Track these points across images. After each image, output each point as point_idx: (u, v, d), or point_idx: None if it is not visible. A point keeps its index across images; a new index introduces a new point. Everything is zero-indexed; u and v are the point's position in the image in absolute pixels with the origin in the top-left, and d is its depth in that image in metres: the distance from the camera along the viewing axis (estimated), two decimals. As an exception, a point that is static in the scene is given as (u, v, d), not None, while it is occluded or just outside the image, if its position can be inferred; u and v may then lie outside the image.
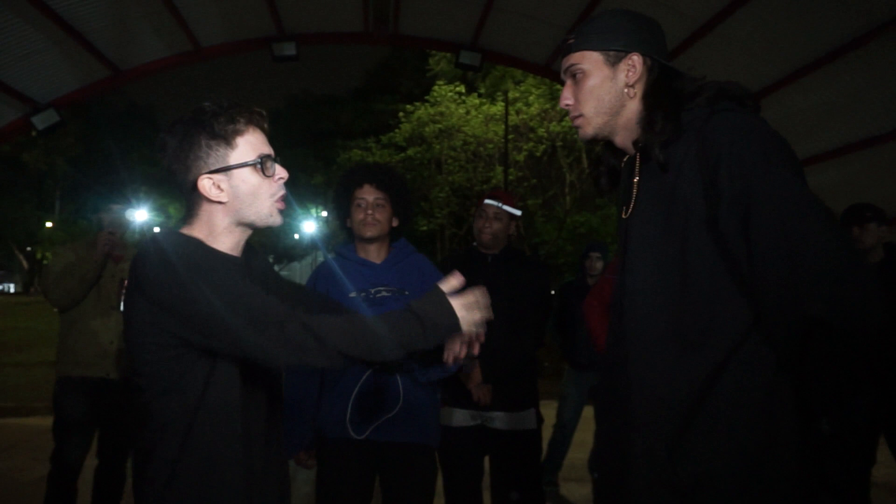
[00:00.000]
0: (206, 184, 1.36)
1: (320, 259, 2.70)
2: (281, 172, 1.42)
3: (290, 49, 5.11)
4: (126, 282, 3.23)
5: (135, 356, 1.34)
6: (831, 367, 1.21)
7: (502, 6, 4.76)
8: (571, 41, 1.43)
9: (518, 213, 3.03)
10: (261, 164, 1.39)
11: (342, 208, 2.55)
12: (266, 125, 1.44)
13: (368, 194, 2.45)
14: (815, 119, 4.58)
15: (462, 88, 17.29)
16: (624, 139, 1.44)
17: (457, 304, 1.36)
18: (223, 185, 1.37)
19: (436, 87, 17.26)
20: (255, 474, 1.38)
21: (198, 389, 1.32)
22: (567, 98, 1.45)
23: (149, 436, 1.33)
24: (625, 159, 1.49)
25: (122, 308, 3.20)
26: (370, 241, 2.47)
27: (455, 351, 1.50)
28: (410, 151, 18.01)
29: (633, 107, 1.40)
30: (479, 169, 17.59)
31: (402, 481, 2.38)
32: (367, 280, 2.44)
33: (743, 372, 1.24)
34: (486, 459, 3.00)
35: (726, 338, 1.25)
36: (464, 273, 2.95)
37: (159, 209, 29.10)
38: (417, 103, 17.68)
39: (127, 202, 3.63)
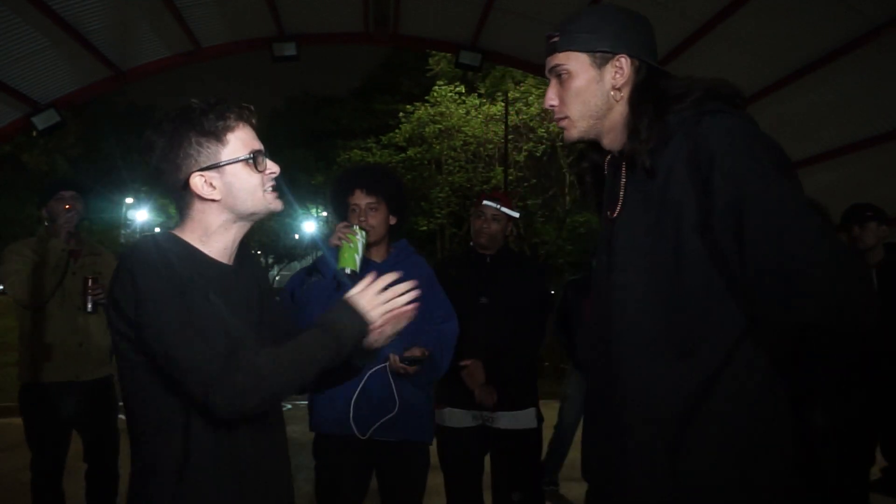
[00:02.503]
0: (197, 181, 1.33)
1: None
2: (272, 167, 1.40)
3: (290, 49, 5.12)
4: (91, 280, 3.08)
5: (120, 367, 1.33)
6: (828, 366, 1.24)
7: (502, 6, 4.76)
8: (556, 39, 1.37)
9: (516, 214, 3.09)
10: (252, 160, 1.37)
11: (339, 214, 2.59)
12: (255, 120, 1.42)
13: (360, 200, 2.48)
14: (815, 119, 4.58)
15: (462, 89, 17.26)
16: (611, 141, 1.40)
17: (361, 304, 1.38)
18: (215, 183, 1.34)
19: (436, 88, 17.24)
20: (255, 477, 1.37)
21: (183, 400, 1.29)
22: (552, 99, 1.40)
23: (145, 450, 1.32)
24: (608, 158, 1.45)
25: (88, 308, 3.07)
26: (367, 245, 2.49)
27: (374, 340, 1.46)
28: (410, 152, 17.98)
29: (620, 109, 1.36)
30: (479, 169, 17.56)
31: (397, 477, 2.48)
32: None
33: (737, 377, 1.23)
34: (486, 459, 3.01)
35: (720, 343, 1.23)
36: (463, 273, 3.00)
37: (160, 209, 29.08)
38: (417, 103, 17.65)
39: (78, 189, 3.24)
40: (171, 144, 1.33)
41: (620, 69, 1.33)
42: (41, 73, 4.66)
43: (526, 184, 17.40)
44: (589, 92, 1.35)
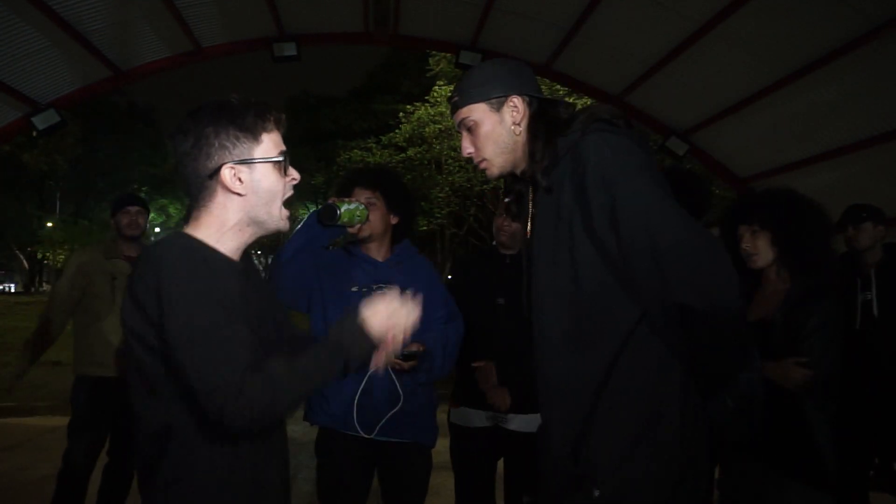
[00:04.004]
0: (227, 173, 1.35)
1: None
2: (294, 173, 1.44)
3: (290, 49, 5.12)
4: None
5: (132, 359, 1.34)
6: (708, 347, 1.36)
7: (502, 6, 4.76)
8: (456, 99, 1.60)
9: None
10: (282, 162, 1.40)
11: None
12: (283, 130, 1.45)
13: (359, 196, 2.48)
14: (815, 119, 4.58)
15: (462, 88, 17.26)
16: (523, 170, 1.61)
17: (374, 328, 1.36)
18: (244, 178, 1.36)
19: (436, 88, 17.23)
20: (262, 475, 1.38)
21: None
22: (468, 148, 1.62)
23: (155, 440, 1.32)
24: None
25: None
26: (365, 240, 2.51)
27: (377, 361, 1.43)
28: (410, 152, 17.97)
29: (523, 140, 1.57)
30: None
31: (399, 479, 2.47)
32: (370, 276, 2.47)
33: (633, 364, 1.38)
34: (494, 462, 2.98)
35: (616, 333, 1.39)
36: (482, 272, 2.98)
37: (160, 209, 29.14)
38: (417, 103, 17.65)
39: (143, 204, 3.73)
40: (208, 133, 1.35)
41: (515, 107, 1.56)
42: (41, 73, 4.66)
43: (526, 184, 17.40)
44: (496, 133, 1.57)
